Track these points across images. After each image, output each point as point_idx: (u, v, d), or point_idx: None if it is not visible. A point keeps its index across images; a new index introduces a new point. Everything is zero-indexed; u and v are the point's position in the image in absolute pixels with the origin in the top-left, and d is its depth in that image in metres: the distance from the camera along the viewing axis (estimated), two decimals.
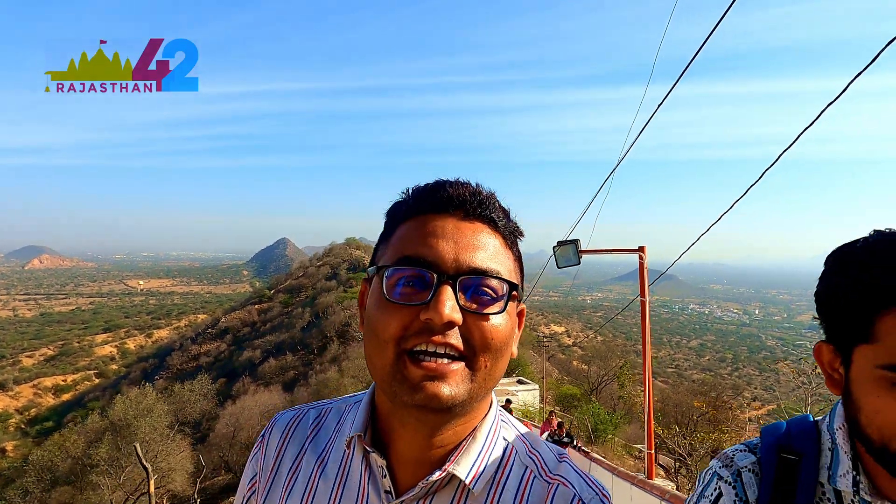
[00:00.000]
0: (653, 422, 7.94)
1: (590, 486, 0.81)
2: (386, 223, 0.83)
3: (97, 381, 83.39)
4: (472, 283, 0.73)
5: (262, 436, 0.96)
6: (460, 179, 0.81)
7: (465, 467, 0.77)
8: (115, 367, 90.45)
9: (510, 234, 0.82)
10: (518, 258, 0.85)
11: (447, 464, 0.77)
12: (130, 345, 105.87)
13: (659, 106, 5.97)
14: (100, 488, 18.56)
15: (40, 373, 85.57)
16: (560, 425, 13.06)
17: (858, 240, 0.80)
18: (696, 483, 0.96)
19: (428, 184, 0.81)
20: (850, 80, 3.58)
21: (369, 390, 0.87)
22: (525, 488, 0.80)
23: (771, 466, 0.90)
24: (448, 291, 0.70)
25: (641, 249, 7.43)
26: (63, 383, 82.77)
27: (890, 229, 0.77)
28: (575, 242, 7.44)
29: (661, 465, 18.83)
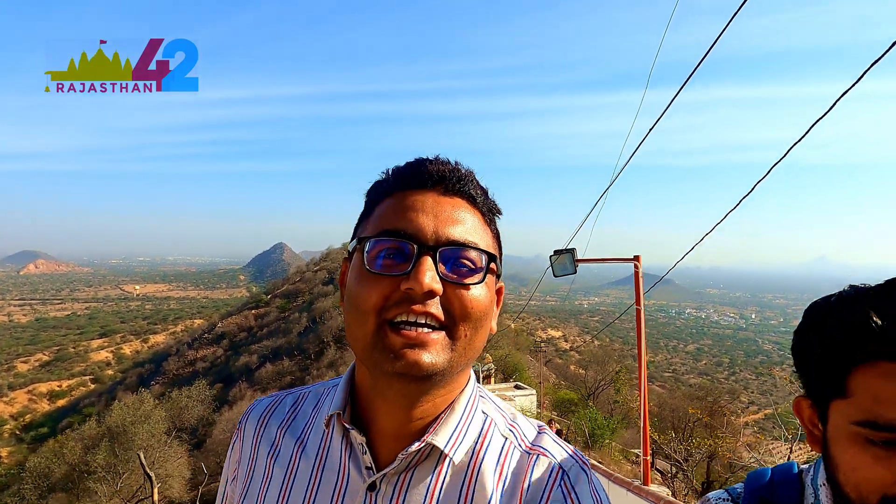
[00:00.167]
0: (648, 428, 8.00)
1: (570, 456, 0.82)
2: (366, 202, 0.85)
3: (93, 386, 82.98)
4: (452, 254, 0.75)
5: (240, 423, 0.96)
6: (440, 157, 0.82)
7: (443, 437, 0.78)
8: (110, 372, 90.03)
9: (489, 212, 0.84)
10: (496, 235, 0.86)
11: (426, 435, 0.78)
12: (126, 350, 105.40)
13: (663, 113, 6.00)
14: (96, 495, 18.49)
15: (35, 378, 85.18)
16: (559, 432, 13.12)
17: (832, 295, 0.80)
18: None
19: (408, 162, 0.83)
20: (852, 83, 3.61)
21: (348, 370, 0.88)
22: (505, 458, 0.81)
23: None
24: (428, 262, 0.72)
25: (637, 258, 7.50)
26: (58, 389, 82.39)
27: (864, 284, 0.77)
28: (571, 251, 7.53)
29: (658, 470, 18.89)
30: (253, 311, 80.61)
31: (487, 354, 35.61)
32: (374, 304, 0.73)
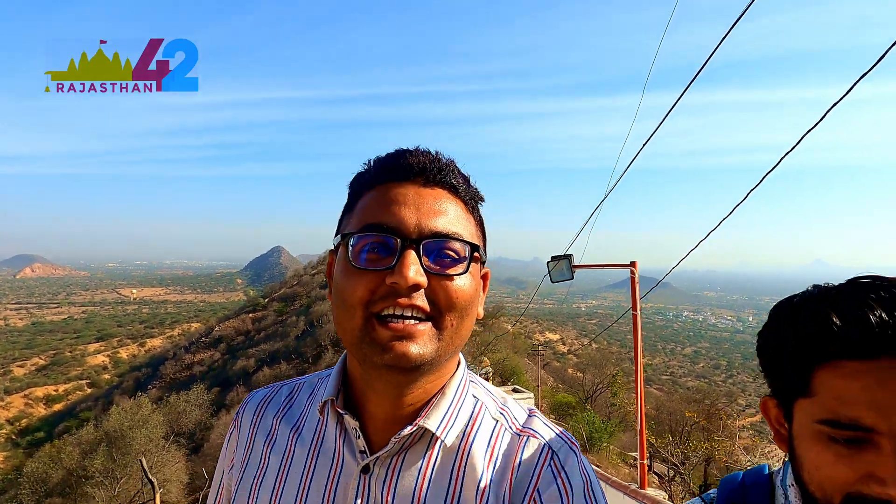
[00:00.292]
0: (645, 432, 8.06)
1: (559, 437, 0.84)
2: (349, 194, 0.85)
3: (89, 390, 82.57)
4: (435, 246, 0.76)
5: (237, 415, 0.99)
6: (420, 148, 0.83)
7: (435, 421, 0.80)
8: (107, 376, 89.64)
9: (471, 200, 0.85)
10: (479, 222, 0.87)
11: (418, 419, 0.80)
12: (123, 354, 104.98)
13: (665, 117, 6.07)
14: (94, 500, 18.44)
15: (31, 382, 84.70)
16: None
17: (795, 296, 0.81)
18: None
19: (389, 153, 0.83)
20: (850, 86, 3.65)
21: (341, 358, 0.91)
22: (496, 440, 0.83)
23: None
24: (412, 255, 0.73)
25: (633, 264, 7.57)
26: (54, 393, 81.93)
27: (827, 284, 0.78)
28: (568, 257, 7.57)
29: (655, 474, 18.93)
30: (250, 315, 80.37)
31: (485, 358, 35.62)
32: (360, 299, 0.74)
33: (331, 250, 0.86)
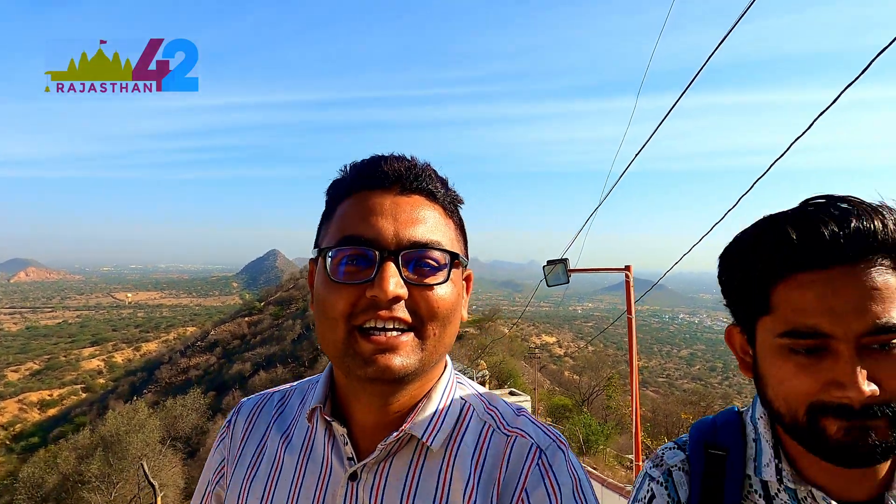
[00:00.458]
0: (640, 435, 8.13)
1: (547, 435, 0.84)
2: (327, 201, 0.85)
3: (84, 395, 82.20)
4: (414, 256, 0.76)
5: (228, 422, 0.99)
6: (395, 154, 0.82)
7: (421, 426, 0.80)
8: (102, 381, 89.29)
9: (450, 204, 0.85)
10: (459, 225, 0.87)
11: (404, 424, 0.80)
12: (118, 358, 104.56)
13: (662, 120, 5.99)
14: None
15: (26, 387, 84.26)
16: None
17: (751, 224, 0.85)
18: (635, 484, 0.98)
19: (364, 160, 0.83)
20: (840, 92, 3.69)
21: (328, 366, 0.90)
22: (483, 442, 0.83)
23: (699, 463, 0.91)
24: (391, 267, 0.73)
25: (627, 268, 7.66)
26: (49, 398, 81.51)
27: (781, 211, 0.82)
28: (564, 261, 7.67)
29: None
30: (246, 319, 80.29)
31: (482, 361, 35.69)
32: (341, 312, 0.74)
33: (311, 259, 0.86)
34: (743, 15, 4.52)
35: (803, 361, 0.73)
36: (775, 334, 0.76)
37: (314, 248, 0.83)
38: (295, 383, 1.03)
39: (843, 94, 3.77)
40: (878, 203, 0.75)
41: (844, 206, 0.74)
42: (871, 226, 0.72)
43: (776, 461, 0.84)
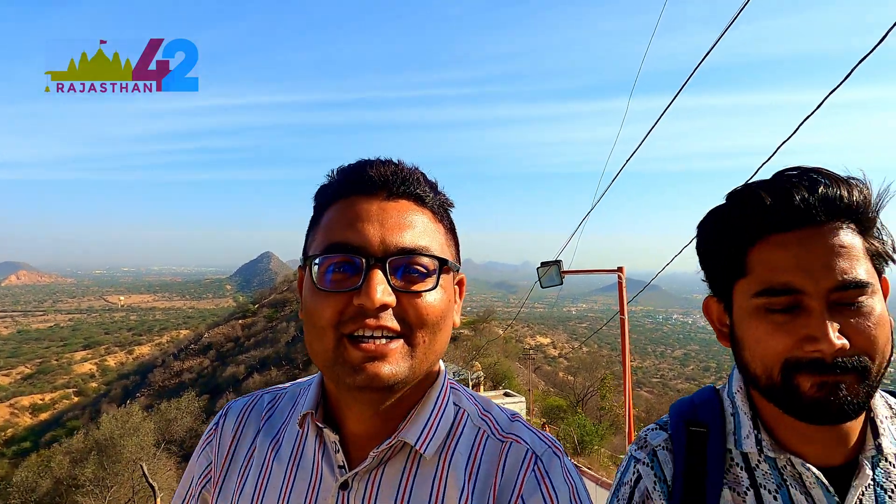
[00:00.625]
0: (633, 435, 8.21)
1: (542, 441, 0.83)
2: (314, 207, 0.84)
3: (76, 399, 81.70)
4: (402, 262, 0.74)
5: (216, 424, 0.96)
6: (381, 158, 0.81)
7: (414, 434, 0.79)
8: (94, 384, 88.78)
9: (439, 207, 0.83)
10: (450, 229, 0.86)
11: (396, 432, 0.78)
12: (111, 362, 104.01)
13: (659, 118, 6.07)
14: None
15: (17, 392, 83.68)
16: None
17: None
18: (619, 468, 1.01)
19: (350, 165, 0.82)
20: (825, 95, 3.75)
21: (319, 371, 0.88)
22: (478, 449, 0.81)
23: (681, 441, 0.93)
24: (378, 275, 0.71)
25: (620, 269, 7.74)
26: (41, 402, 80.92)
27: (756, 180, 0.88)
28: (557, 263, 7.74)
29: None
30: (240, 321, 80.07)
31: (476, 363, 35.74)
32: (328, 320, 0.73)
33: (299, 265, 0.84)
34: (734, 19, 4.59)
35: (779, 319, 0.78)
36: (751, 294, 0.81)
37: (302, 255, 0.82)
38: (286, 385, 1.00)
39: (832, 95, 3.85)
40: (846, 175, 0.82)
41: (814, 175, 0.80)
42: (838, 192, 0.79)
43: (755, 432, 0.88)
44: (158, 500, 13.02)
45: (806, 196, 0.79)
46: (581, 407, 34.77)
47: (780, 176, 0.83)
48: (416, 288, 0.75)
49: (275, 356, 59.98)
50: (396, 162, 0.81)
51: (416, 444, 0.78)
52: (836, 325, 0.75)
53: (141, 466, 13.06)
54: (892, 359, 0.80)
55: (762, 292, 0.79)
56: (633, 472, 0.94)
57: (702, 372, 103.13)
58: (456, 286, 0.86)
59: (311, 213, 0.85)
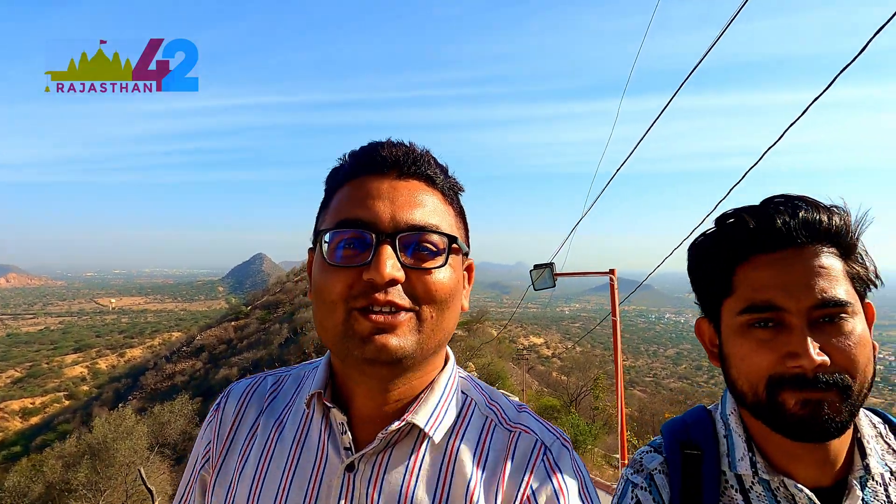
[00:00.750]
0: (626, 435, 8.30)
1: (551, 432, 0.84)
2: (325, 191, 0.84)
3: (67, 402, 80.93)
4: (412, 239, 0.75)
5: (217, 405, 0.95)
6: (392, 140, 0.82)
7: (423, 416, 0.79)
8: (86, 388, 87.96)
9: (449, 190, 0.84)
10: (459, 213, 0.86)
11: (406, 414, 0.78)
12: (102, 365, 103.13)
13: (657, 118, 6.10)
14: None
15: (7, 395, 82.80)
16: None
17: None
18: (615, 494, 1.01)
19: (363, 147, 0.82)
20: (815, 97, 3.79)
21: (328, 352, 0.87)
22: (486, 437, 0.82)
23: (676, 464, 0.94)
24: (388, 250, 0.72)
25: (612, 272, 7.82)
26: (31, 406, 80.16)
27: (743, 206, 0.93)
28: (550, 266, 7.84)
29: None
30: (232, 323, 79.60)
31: (470, 363, 35.79)
32: (339, 294, 0.73)
33: (309, 248, 0.85)
34: (731, 19, 4.62)
35: (762, 336, 0.82)
36: (736, 312, 0.85)
37: (312, 236, 0.83)
38: (289, 368, 1.00)
39: (823, 94, 3.90)
40: (829, 203, 0.87)
41: (797, 201, 0.86)
42: (818, 216, 0.84)
43: (749, 454, 0.90)
44: (157, 502, 12.98)
45: (787, 220, 0.84)
46: (575, 407, 34.87)
47: (765, 202, 0.88)
48: (425, 265, 0.75)
49: (268, 358, 59.67)
50: (408, 143, 0.82)
51: (425, 426, 0.78)
52: (817, 343, 0.78)
53: (139, 471, 13.03)
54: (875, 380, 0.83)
55: (746, 310, 0.83)
56: (632, 498, 0.94)
57: (694, 371, 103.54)
58: (465, 272, 0.86)
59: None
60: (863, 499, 0.85)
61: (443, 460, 0.79)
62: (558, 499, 0.76)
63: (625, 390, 8.59)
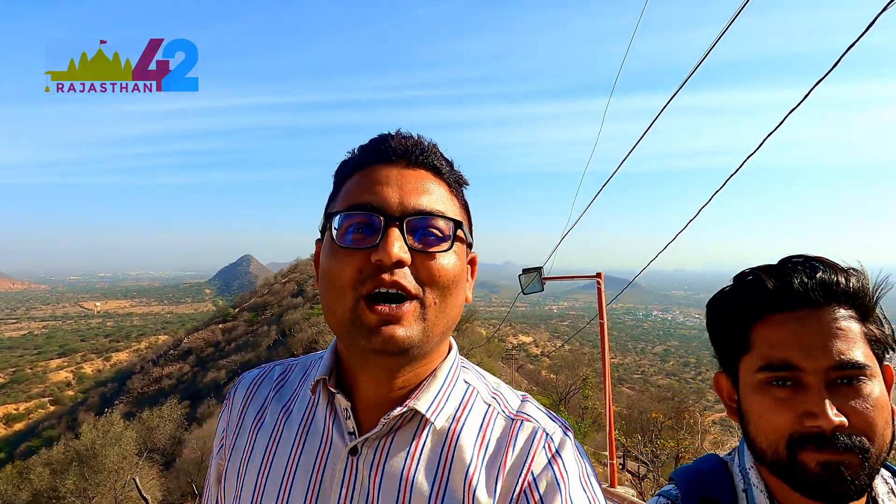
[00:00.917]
0: (614, 433, 8.42)
1: (553, 420, 0.85)
2: (334, 182, 0.87)
3: (52, 408, 79.82)
4: (419, 224, 0.77)
5: (229, 395, 1.00)
6: (401, 132, 0.85)
7: (425, 402, 0.81)
8: (71, 393, 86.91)
9: (455, 182, 0.87)
10: (464, 205, 0.89)
11: (408, 400, 0.80)
12: (87, 369, 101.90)
13: (653, 122, 6.15)
14: None
15: None
16: None
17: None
18: None
19: (372, 139, 0.85)
20: (804, 94, 3.85)
21: (334, 339, 0.90)
22: (488, 424, 0.83)
23: None
24: (395, 233, 0.74)
25: (599, 275, 7.95)
26: (15, 412, 78.92)
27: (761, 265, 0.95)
28: (539, 270, 8.06)
29: (629, 472, 19.45)
30: (220, 326, 78.94)
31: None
32: (348, 278, 0.75)
33: (317, 240, 0.87)
34: (732, 21, 4.63)
35: (781, 394, 0.83)
36: (754, 370, 0.86)
37: (320, 228, 0.85)
38: (296, 359, 1.03)
39: (789, 114, 4.01)
40: (846, 266, 0.88)
41: (814, 262, 0.88)
42: (835, 278, 0.85)
43: None
44: None
45: (805, 280, 0.85)
46: (564, 405, 35.04)
47: (783, 262, 0.90)
48: (431, 249, 0.77)
49: (256, 360, 59.25)
50: (416, 136, 0.85)
51: (426, 412, 0.80)
52: (834, 403, 0.78)
53: (134, 480, 12.95)
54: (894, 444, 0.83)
55: (763, 367, 0.85)
56: None
57: (682, 367, 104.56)
58: (468, 264, 0.88)
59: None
60: None
61: (443, 446, 0.80)
62: (559, 485, 0.76)
63: (613, 388, 8.72)
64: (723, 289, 0.96)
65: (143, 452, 21.75)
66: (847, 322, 0.83)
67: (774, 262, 0.93)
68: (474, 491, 0.76)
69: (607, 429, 8.20)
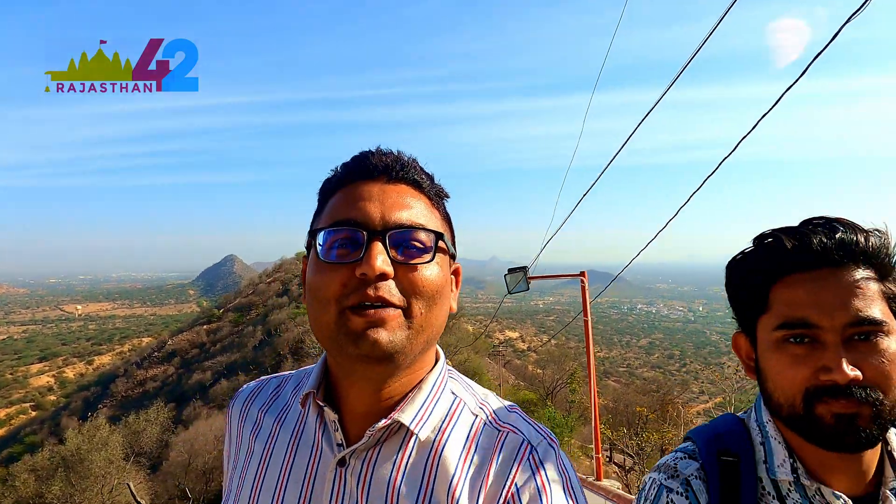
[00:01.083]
0: (599, 427, 8.58)
1: (539, 433, 0.86)
2: (319, 199, 0.90)
3: (34, 413, 78.62)
4: (401, 237, 0.79)
5: (227, 409, 1.05)
6: (382, 149, 0.88)
7: (409, 415, 0.82)
8: (53, 397, 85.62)
9: (435, 196, 0.90)
10: (445, 217, 0.92)
11: (393, 412, 0.81)
12: (69, 373, 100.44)
13: (649, 112, 6.21)
14: None
15: None
16: None
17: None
18: (639, 498, 1.02)
19: (354, 157, 0.88)
20: (784, 91, 3.94)
21: (323, 354, 0.93)
22: (474, 436, 0.84)
23: (714, 470, 0.96)
24: (378, 246, 0.76)
25: (582, 274, 8.12)
26: None
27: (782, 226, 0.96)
28: (524, 270, 8.19)
29: (616, 464, 19.73)
30: (205, 327, 78.26)
31: (447, 361, 35.97)
32: (333, 293, 0.77)
33: (304, 257, 0.89)
34: (724, 16, 4.69)
35: (797, 352, 0.86)
36: (772, 328, 0.89)
37: (306, 245, 0.87)
38: (290, 372, 1.06)
39: (772, 108, 4.13)
40: (867, 227, 0.90)
41: (834, 222, 0.89)
42: (855, 237, 0.87)
43: (791, 460, 0.92)
44: None
45: (824, 240, 0.86)
46: (551, 400, 35.37)
47: (804, 222, 0.92)
48: (414, 261, 0.79)
49: (242, 361, 58.93)
50: (396, 152, 0.88)
51: (410, 424, 0.81)
52: (850, 359, 0.81)
53: (128, 485, 12.88)
54: None
55: (781, 326, 0.87)
56: (668, 502, 0.95)
57: (666, 359, 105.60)
58: (452, 276, 0.90)
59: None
60: None
61: (427, 457, 0.81)
62: (541, 496, 0.77)
63: (599, 381, 8.89)
64: (742, 250, 0.99)
65: (129, 457, 21.59)
66: (865, 280, 0.85)
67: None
68: (457, 502, 0.77)
69: (592, 425, 8.36)
